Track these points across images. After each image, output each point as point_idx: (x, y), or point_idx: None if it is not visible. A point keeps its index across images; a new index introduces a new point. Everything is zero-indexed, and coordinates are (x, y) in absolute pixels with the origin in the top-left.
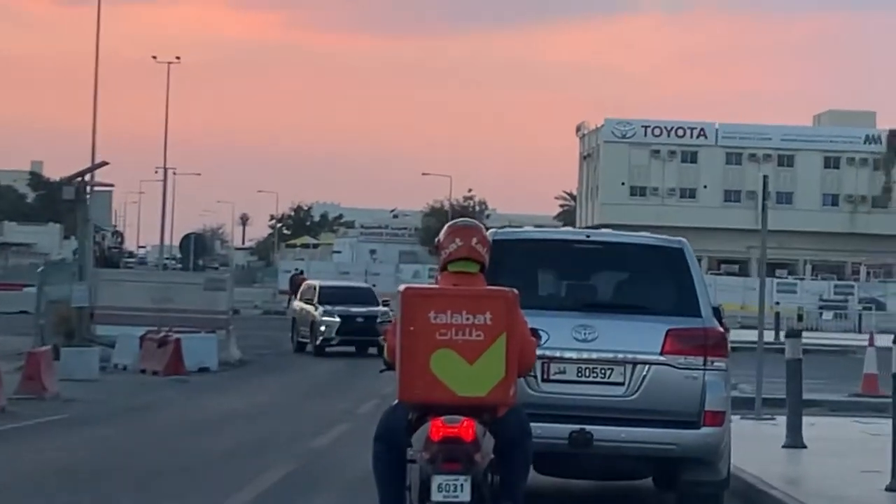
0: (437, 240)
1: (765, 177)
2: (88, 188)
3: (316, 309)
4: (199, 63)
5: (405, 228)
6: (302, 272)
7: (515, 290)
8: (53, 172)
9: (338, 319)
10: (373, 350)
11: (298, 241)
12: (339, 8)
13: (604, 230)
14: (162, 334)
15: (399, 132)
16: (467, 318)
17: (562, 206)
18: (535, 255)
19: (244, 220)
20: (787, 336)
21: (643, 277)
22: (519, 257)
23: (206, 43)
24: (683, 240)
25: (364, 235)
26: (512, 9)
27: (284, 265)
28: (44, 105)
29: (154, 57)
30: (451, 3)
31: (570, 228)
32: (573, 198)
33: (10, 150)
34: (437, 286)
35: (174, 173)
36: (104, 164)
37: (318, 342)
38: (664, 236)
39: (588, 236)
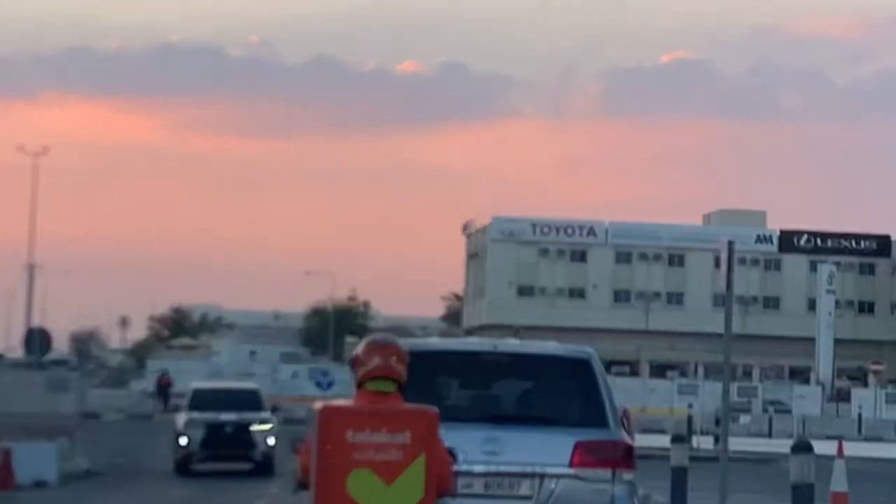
0: (353, 353)
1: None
2: None
3: (181, 417)
4: (73, 165)
5: (287, 329)
6: (166, 373)
7: (436, 409)
8: None
9: (202, 429)
10: (247, 466)
11: (177, 343)
12: (219, 110)
13: (510, 340)
14: None
15: (281, 233)
16: (386, 437)
17: (448, 307)
18: (443, 366)
19: (124, 321)
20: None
21: (551, 388)
22: (426, 369)
23: (80, 144)
24: (590, 350)
25: (243, 336)
26: (398, 113)
27: (153, 366)
28: None
29: (21, 148)
30: (333, 108)
31: (476, 339)
32: (459, 298)
33: None
34: (354, 404)
35: (33, 265)
36: None
37: (178, 457)
38: (572, 346)
39: (496, 347)
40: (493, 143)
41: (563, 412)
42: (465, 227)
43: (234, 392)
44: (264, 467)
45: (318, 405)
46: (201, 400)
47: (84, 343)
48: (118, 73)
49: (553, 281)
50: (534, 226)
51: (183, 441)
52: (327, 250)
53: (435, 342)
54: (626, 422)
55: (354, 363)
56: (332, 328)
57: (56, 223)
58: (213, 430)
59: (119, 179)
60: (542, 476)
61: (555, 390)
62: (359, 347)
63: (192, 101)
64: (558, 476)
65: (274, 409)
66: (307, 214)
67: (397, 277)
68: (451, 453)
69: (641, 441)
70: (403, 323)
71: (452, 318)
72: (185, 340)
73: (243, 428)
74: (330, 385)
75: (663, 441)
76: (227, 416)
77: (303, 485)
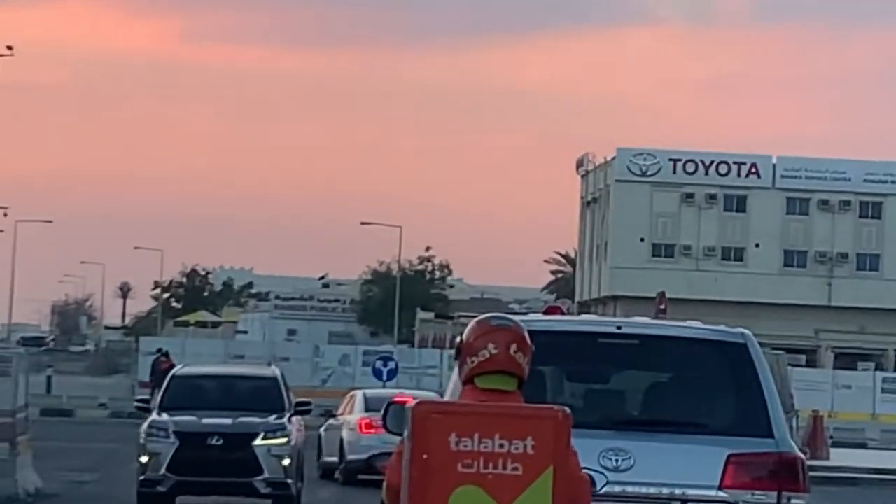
0: (458, 340)
1: None
2: None
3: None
4: (47, 81)
5: (337, 301)
6: (166, 354)
7: (567, 410)
8: None
9: (173, 442)
10: (248, 501)
11: (191, 318)
12: (252, 15)
13: (638, 319)
14: None
15: (327, 175)
16: (501, 445)
17: (554, 272)
18: (547, 353)
19: (125, 290)
20: None
21: (693, 383)
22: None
23: (76, 54)
24: (747, 332)
25: (280, 310)
26: (479, 20)
27: (147, 346)
28: None
29: None
30: (397, 12)
31: (593, 317)
32: (570, 261)
33: None
34: (460, 401)
35: (3, 215)
36: None
37: (140, 483)
38: (721, 327)
39: (619, 328)
40: (612, 57)
41: (710, 415)
42: (578, 164)
43: (234, 382)
44: None
45: (412, 402)
46: (180, 394)
47: (69, 317)
48: None
49: (700, 237)
50: (674, 161)
51: (143, 459)
52: (391, 199)
53: (537, 321)
54: (794, 429)
55: (461, 352)
56: (398, 300)
57: (29, 157)
58: (191, 444)
59: (110, 101)
60: (684, 500)
61: (699, 385)
62: (467, 331)
63: (214, 5)
64: (705, 501)
65: (300, 408)
66: (361, 150)
67: (486, 235)
68: (591, 479)
69: (835, 457)
70: (495, 294)
71: (561, 288)
72: (202, 315)
73: (240, 441)
74: (392, 374)
75: (864, 458)
76: (215, 422)
77: None
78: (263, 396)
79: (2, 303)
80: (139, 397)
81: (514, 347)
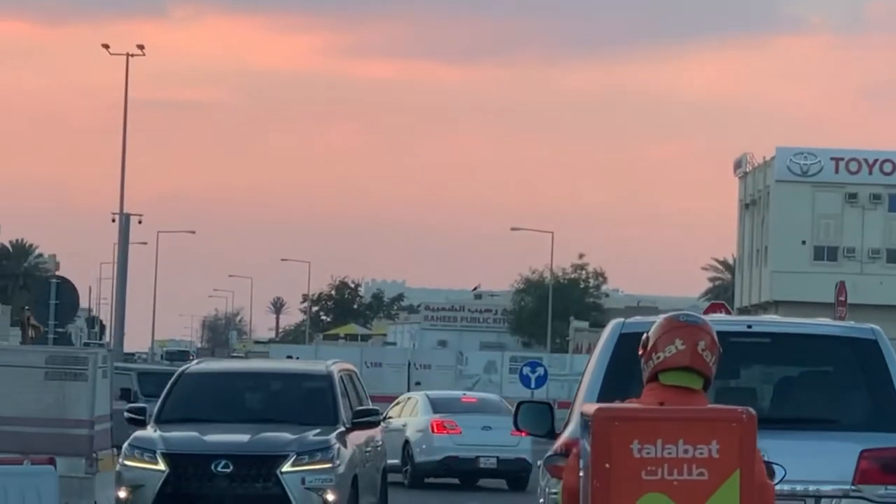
0: (644, 337)
1: None
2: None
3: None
4: (208, 98)
5: (489, 311)
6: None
7: (752, 411)
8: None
9: (161, 470)
10: None
11: (341, 331)
12: (404, 30)
13: (768, 317)
14: None
15: (482, 187)
16: (685, 451)
17: (712, 279)
18: None
19: (278, 305)
20: None
21: (823, 380)
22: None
23: (219, 72)
24: (877, 328)
25: (430, 321)
26: (629, 29)
27: (277, 353)
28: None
29: (105, 47)
30: (552, 23)
31: (723, 316)
32: (729, 267)
33: None
34: (638, 406)
35: (134, 221)
36: None
37: None
38: (851, 323)
39: (750, 326)
40: (762, 67)
41: (841, 411)
42: (737, 165)
43: (264, 381)
44: None
45: (592, 408)
46: (185, 400)
47: (219, 332)
48: None
49: (864, 238)
50: (835, 160)
51: (121, 495)
52: (542, 208)
53: (657, 319)
54: None
55: (644, 349)
56: (550, 308)
57: (178, 174)
58: (186, 472)
59: (264, 116)
60: (818, 497)
61: (829, 382)
62: (654, 327)
63: (366, 19)
64: (839, 495)
65: (361, 418)
66: (514, 161)
67: (641, 244)
68: (769, 468)
69: None
70: (652, 303)
71: (720, 295)
72: (352, 327)
73: (259, 467)
74: (541, 381)
75: None
76: (225, 439)
77: None
78: (306, 402)
79: (160, 320)
80: (132, 405)
81: (702, 345)
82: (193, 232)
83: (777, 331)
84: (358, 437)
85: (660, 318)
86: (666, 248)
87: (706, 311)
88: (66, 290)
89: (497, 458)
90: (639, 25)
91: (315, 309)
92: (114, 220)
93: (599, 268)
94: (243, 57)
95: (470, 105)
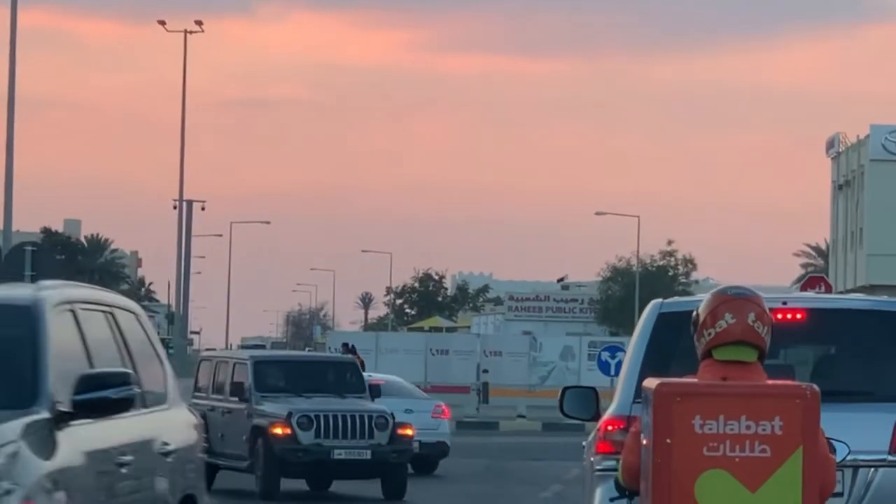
0: (694, 314)
1: None
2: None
3: None
4: (297, 95)
5: (575, 300)
6: (353, 349)
7: (815, 387)
8: (95, 230)
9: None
10: None
11: (426, 324)
12: (487, 24)
13: (804, 294)
14: None
15: (569, 177)
16: (747, 427)
17: (804, 265)
18: None
19: (366, 300)
20: None
21: (858, 353)
22: (691, 336)
23: (306, 68)
24: None
25: (515, 312)
26: (717, 23)
27: (335, 339)
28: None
29: (162, 23)
30: (631, 19)
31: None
32: (821, 253)
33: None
34: (700, 381)
35: (202, 209)
36: None
37: None
38: (884, 298)
39: (785, 303)
40: (851, 55)
41: (876, 382)
42: (829, 145)
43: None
44: None
45: (653, 383)
46: None
47: (303, 326)
48: None
49: None
50: None
51: None
52: (629, 197)
53: (696, 299)
54: None
55: (696, 326)
56: (637, 296)
57: (276, 168)
58: None
59: (352, 112)
60: (855, 466)
61: (864, 355)
62: (703, 304)
63: (451, 14)
64: (876, 465)
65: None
66: (602, 153)
67: (731, 231)
68: (830, 445)
69: None
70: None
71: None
72: (436, 320)
73: None
74: (622, 367)
75: None
76: None
77: (627, 490)
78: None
79: (246, 316)
80: None
81: (752, 317)
82: (268, 222)
83: (812, 306)
84: (96, 433)
85: (708, 295)
86: (757, 235)
87: (804, 286)
88: (45, 260)
89: (419, 441)
90: (723, 16)
91: (399, 302)
92: (175, 208)
93: (689, 254)
94: (326, 53)
95: (554, 98)
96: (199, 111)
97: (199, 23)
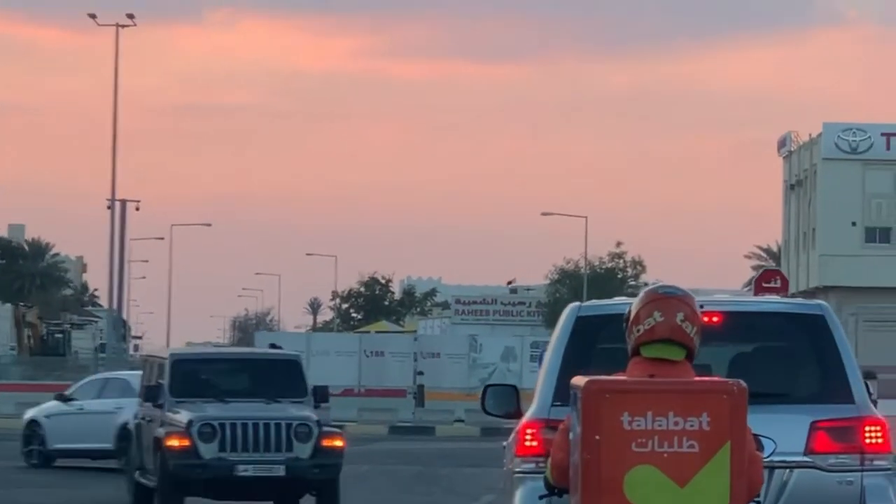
0: (626, 312)
1: None
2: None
3: None
4: (246, 101)
5: (522, 304)
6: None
7: (743, 383)
8: (39, 235)
9: None
10: None
11: (372, 328)
12: (438, 31)
13: (719, 297)
14: None
15: (515, 182)
16: (675, 423)
17: (756, 267)
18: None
19: (315, 306)
20: None
21: (775, 355)
22: (608, 338)
23: (256, 75)
24: (824, 303)
25: (461, 315)
26: (667, 27)
27: (261, 339)
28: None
29: (92, 17)
30: (580, 22)
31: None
32: (773, 255)
33: None
34: (628, 378)
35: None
36: None
37: None
38: (799, 300)
39: (702, 306)
40: (802, 58)
41: (792, 384)
42: (780, 144)
43: None
44: None
45: (581, 381)
46: None
47: (249, 331)
48: None
49: None
50: (887, 136)
51: None
52: (576, 200)
53: (620, 303)
54: (868, 384)
55: (628, 324)
56: (586, 299)
57: (223, 174)
58: None
59: (303, 118)
60: (771, 467)
61: (779, 357)
62: (635, 301)
63: (402, 19)
64: (791, 466)
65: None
66: (549, 157)
67: (680, 233)
68: (758, 441)
69: None
70: (695, 294)
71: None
72: (382, 325)
73: None
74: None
75: None
76: None
77: (556, 488)
78: None
79: (192, 321)
80: None
81: (681, 316)
82: (209, 224)
83: (728, 309)
84: None
85: (641, 293)
86: (708, 237)
87: (759, 279)
88: None
89: None
90: (674, 21)
91: (345, 306)
92: (108, 208)
93: (638, 256)
94: (276, 59)
95: (501, 103)
96: (147, 115)
97: (130, 16)
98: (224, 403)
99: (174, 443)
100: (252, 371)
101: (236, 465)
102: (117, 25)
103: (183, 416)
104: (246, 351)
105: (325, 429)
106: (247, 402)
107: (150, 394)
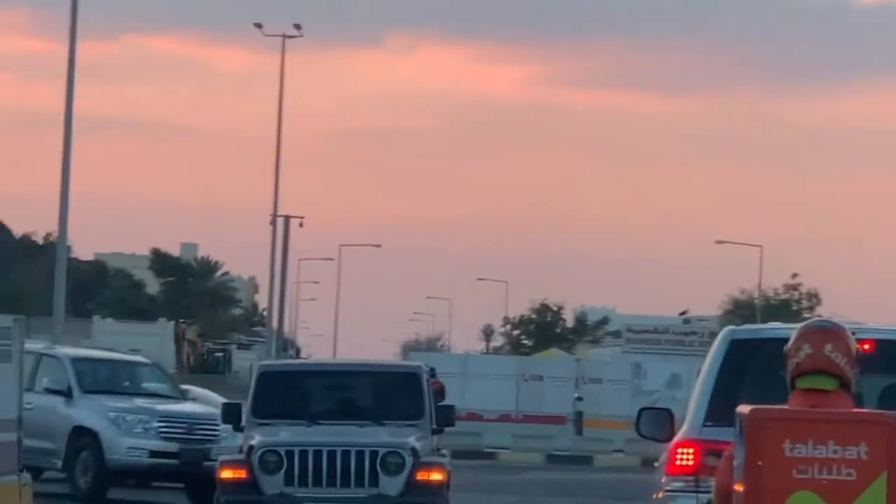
0: (785, 348)
1: None
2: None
3: None
4: (427, 126)
5: (695, 333)
6: (432, 372)
7: None
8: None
9: None
10: None
11: (542, 355)
12: (607, 62)
13: (868, 325)
14: None
15: (690, 213)
16: (834, 451)
17: None
18: (769, 357)
19: (488, 332)
20: None
21: None
22: (762, 363)
23: (435, 100)
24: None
25: (632, 344)
26: (845, 63)
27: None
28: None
29: (258, 26)
30: (762, 53)
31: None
32: None
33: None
34: (789, 408)
35: (299, 225)
36: None
37: None
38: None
39: (853, 333)
40: None
41: None
42: None
43: None
44: None
45: (746, 409)
46: None
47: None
48: (483, 12)
49: None
50: None
51: None
52: (751, 228)
53: (778, 328)
54: None
55: (785, 358)
56: None
57: (393, 199)
58: None
59: (474, 143)
60: None
61: None
62: (790, 339)
63: (576, 50)
64: None
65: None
66: (725, 189)
67: (858, 264)
68: None
69: None
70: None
71: None
72: (553, 352)
73: None
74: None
75: None
76: None
77: None
78: None
79: (363, 345)
80: None
81: (829, 347)
82: (379, 245)
83: (880, 337)
84: None
85: (797, 329)
86: (887, 273)
87: None
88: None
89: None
90: (852, 56)
91: (517, 332)
92: (271, 223)
93: (814, 289)
94: (450, 85)
95: (678, 135)
96: (326, 137)
97: (297, 26)
98: (308, 427)
99: (228, 474)
100: (359, 387)
101: (303, 503)
102: (283, 36)
103: (248, 442)
104: (352, 363)
105: (425, 459)
106: (340, 424)
107: (229, 414)
